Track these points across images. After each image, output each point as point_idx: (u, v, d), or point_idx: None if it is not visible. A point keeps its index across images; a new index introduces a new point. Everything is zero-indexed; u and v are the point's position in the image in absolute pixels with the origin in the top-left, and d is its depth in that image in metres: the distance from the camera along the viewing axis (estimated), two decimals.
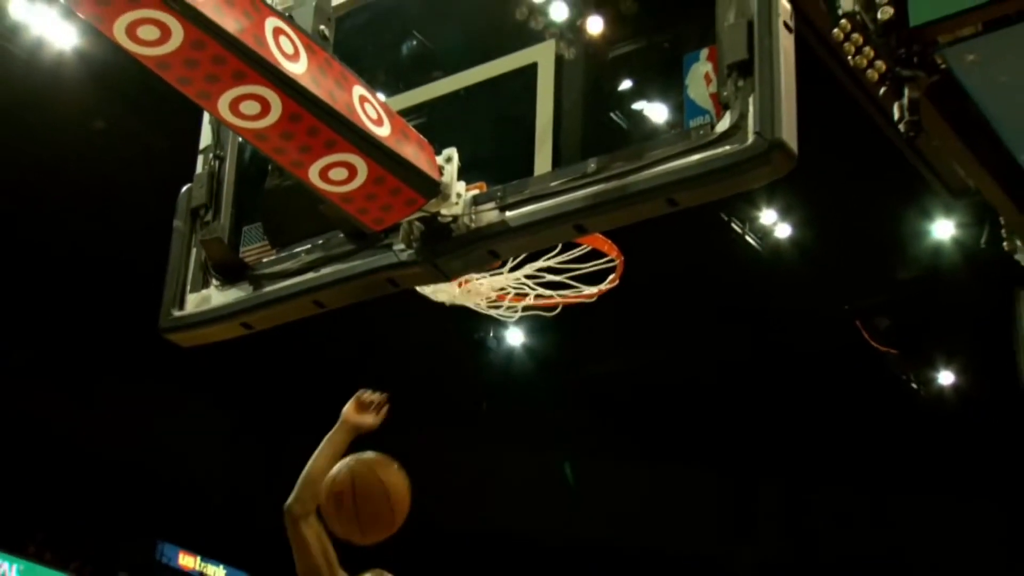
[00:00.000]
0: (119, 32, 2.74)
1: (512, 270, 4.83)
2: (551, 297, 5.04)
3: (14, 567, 16.29)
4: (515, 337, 16.67)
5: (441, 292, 4.91)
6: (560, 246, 4.64)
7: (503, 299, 5.08)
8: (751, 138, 2.98)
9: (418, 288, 4.65)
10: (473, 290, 4.95)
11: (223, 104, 2.92)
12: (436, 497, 18.35)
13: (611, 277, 5.04)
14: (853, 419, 16.15)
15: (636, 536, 18.30)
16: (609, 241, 4.89)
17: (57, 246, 14.66)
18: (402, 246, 3.44)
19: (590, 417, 17.45)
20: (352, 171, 3.10)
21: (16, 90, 11.99)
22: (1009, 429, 15.15)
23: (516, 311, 5.15)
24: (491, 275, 4.83)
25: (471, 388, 17.26)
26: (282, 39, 2.93)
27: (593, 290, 5.02)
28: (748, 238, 13.68)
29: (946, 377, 15.70)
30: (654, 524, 18.29)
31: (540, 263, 4.77)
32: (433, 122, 3.62)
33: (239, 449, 18.59)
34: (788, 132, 2.97)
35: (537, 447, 17.77)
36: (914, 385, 15.71)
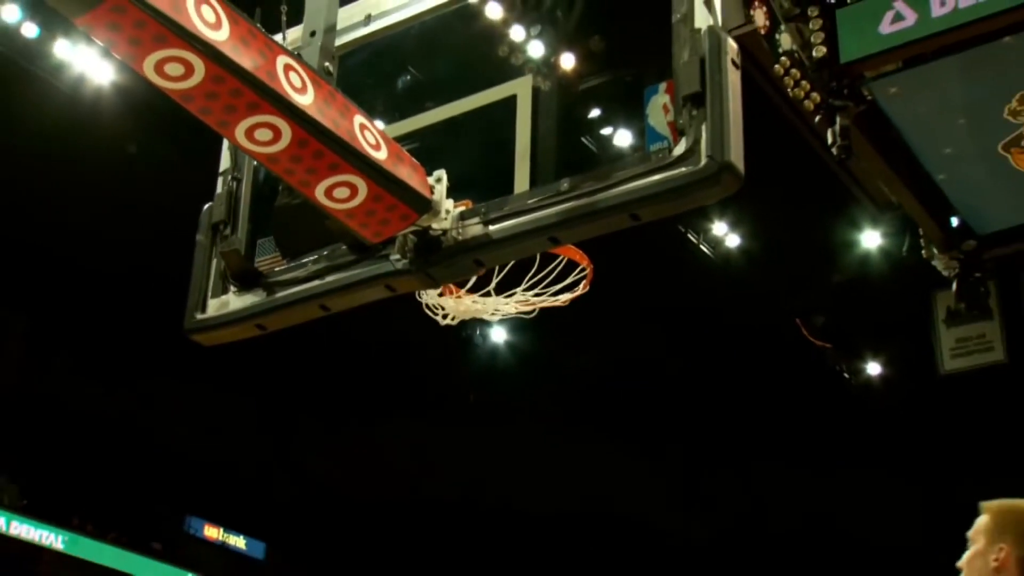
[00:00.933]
0: (148, 69, 2.72)
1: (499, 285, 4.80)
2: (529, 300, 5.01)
3: (59, 538, 16.26)
4: (499, 335, 16.67)
5: (447, 308, 4.87)
6: (538, 256, 4.62)
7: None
8: (704, 161, 2.97)
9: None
10: (471, 308, 4.91)
11: (240, 131, 2.90)
12: (429, 475, 18.38)
13: (582, 283, 5.02)
14: (793, 404, 16.20)
15: (601, 506, 18.33)
16: (580, 251, 4.87)
17: (94, 258, 14.62)
18: (398, 256, 3.42)
19: (564, 405, 17.45)
20: (353, 190, 3.09)
21: (60, 119, 12.04)
22: (927, 414, 15.25)
23: (499, 313, 5.13)
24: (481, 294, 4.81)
25: (460, 380, 17.24)
26: (291, 74, 2.92)
27: (567, 296, 5.00)
28: (702, 247, 13.74)
29: (873, 368, 15.78)
30: (619, 496, 18.31)
31: (523, 284, 4.75)
32: (425, 147, 3.60)
33: (257, 433, 18.52)
34: (736, 155, 2.97)
35: (518, 431, 17.75)
36: (846, 375, 15.77)
